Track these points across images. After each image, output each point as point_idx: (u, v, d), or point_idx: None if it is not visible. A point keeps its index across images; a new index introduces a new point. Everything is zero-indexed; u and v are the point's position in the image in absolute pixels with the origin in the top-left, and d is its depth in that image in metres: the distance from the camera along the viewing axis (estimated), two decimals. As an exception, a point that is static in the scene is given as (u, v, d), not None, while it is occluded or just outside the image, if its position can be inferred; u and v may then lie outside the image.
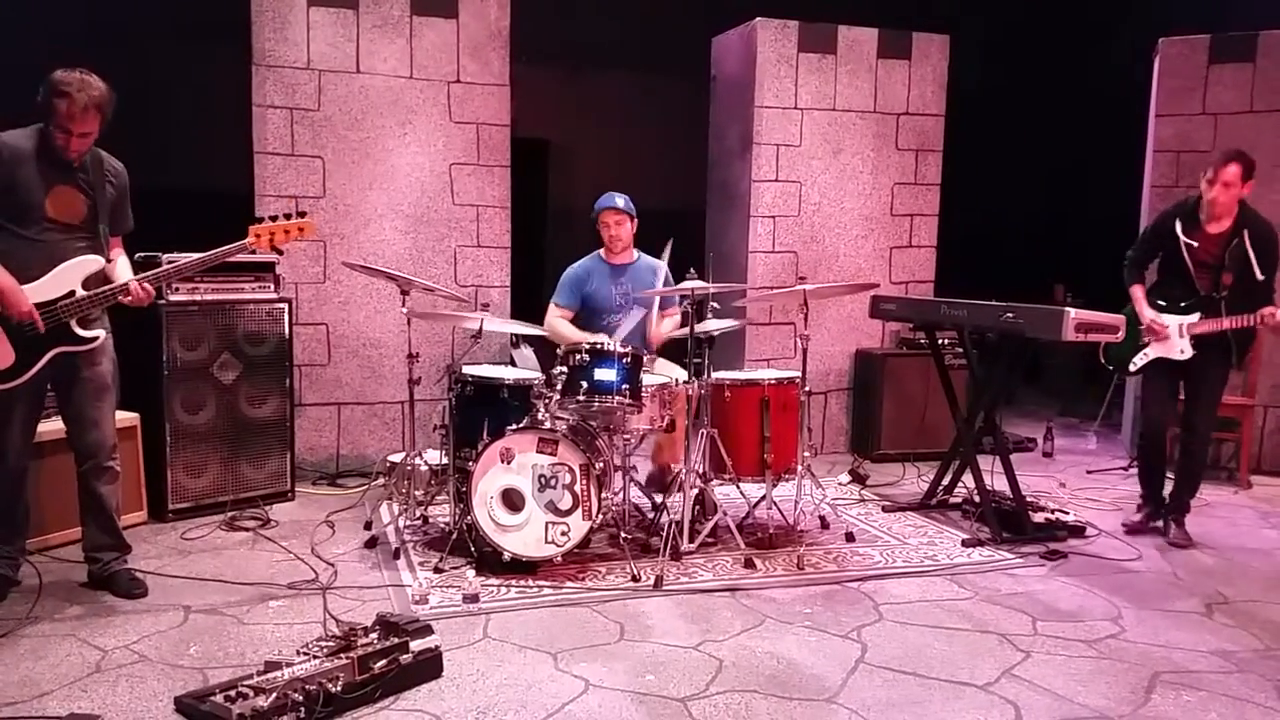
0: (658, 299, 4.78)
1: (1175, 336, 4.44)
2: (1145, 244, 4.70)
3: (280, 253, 3.69)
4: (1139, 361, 4.59)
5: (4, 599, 3.50)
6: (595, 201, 4.86)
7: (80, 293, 3.38)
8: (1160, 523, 4.68)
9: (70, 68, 3.32)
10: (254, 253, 3.68)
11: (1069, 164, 8.92)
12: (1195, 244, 4.43)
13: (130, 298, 3.44)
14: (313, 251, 5.42)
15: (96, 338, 3.47)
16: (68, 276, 3.37)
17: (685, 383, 4.33)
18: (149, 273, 3.52)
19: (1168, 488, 4.70)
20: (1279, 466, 5.96)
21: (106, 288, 3.44)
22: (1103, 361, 4.79)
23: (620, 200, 4.76)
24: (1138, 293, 4.61)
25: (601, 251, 4.87)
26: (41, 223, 3.36)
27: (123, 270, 3.58)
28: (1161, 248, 4.56)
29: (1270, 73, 6.00)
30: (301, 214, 3.64)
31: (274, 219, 3.59)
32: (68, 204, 3.41)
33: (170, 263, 3.69)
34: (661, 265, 4.73)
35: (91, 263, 3.44)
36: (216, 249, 3.53)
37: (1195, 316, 4.42)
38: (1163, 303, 4.53)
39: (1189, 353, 4.43)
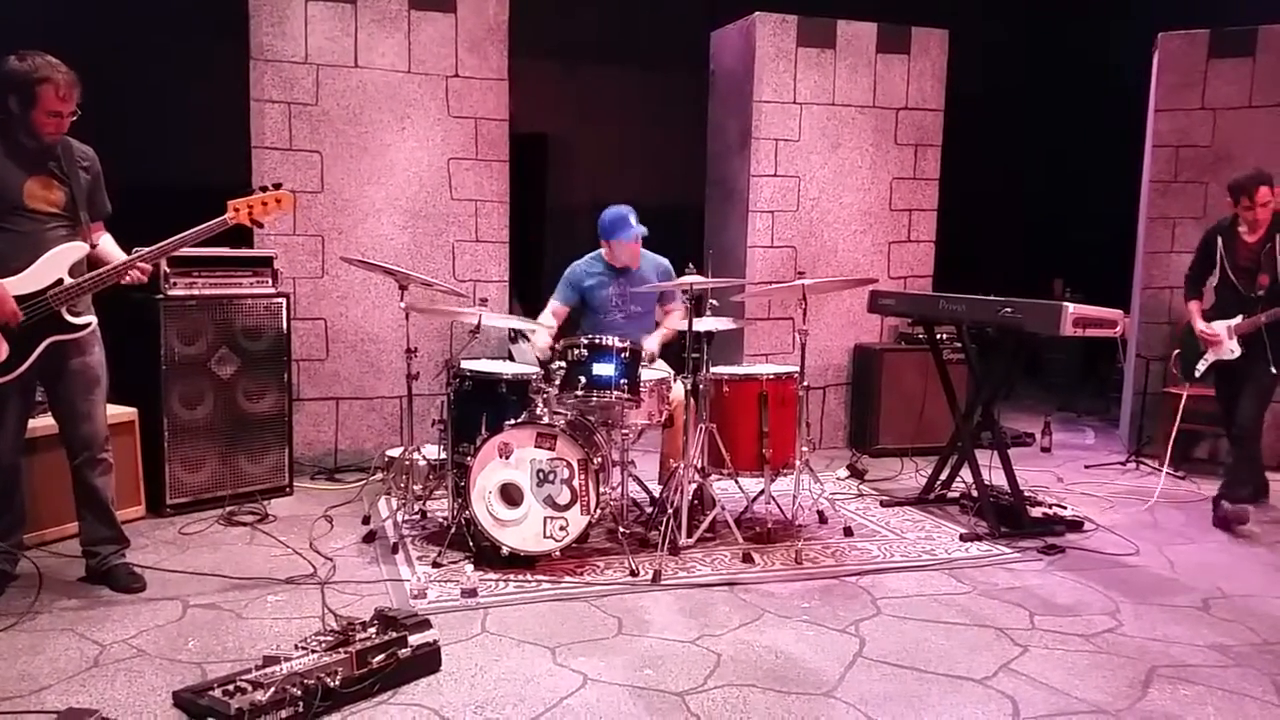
0: (658, 301, 4.82)
1: (1225, 339, 4.87)
2: (1196, 261, 5.13)
3: (260, 225, 3.67)
4: (1201, 368, 5.02)
5: (1, 594, 3.50)
6: (608, 219, 4.67)
7: (68, 280, 3.37)
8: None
9: (19, 55, 3.29)
10: (243, 226, 3.62)
11: (1068, 158, 8.92)
12: (1234, 251, 4.88)
13: (126, 280, 3.44)
14: (311, 246, 5.42)
15: (88, 324, 3.46)
16: (53, 265, 3.36)
17: (680, 378, 4.34)
18: (140, 252, 3.50)
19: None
20: (1277, 462, 5.96)
21: (97, 271, 3.42)
22: (1176, 373, 5.25)
23: (638, 228, 4.63)
24: (1193, 308, 5.07)
25: (604, 253, 4.79)
26: (19, 213, 3.34)
27: (112, 251, 3.57)
28: (1209, 261, 5.01)
29: (1269, 67, 6.00)
30: (278, 186, 3.63)
31: (251, 193, 3.58)
32: (43, 193, 3.39)
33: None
34: (665, 263, 4.79)
35: (76, 250, 3.43)
36: (197, 226, 3.48)
37: (1239, 318, 4.83)
38: (1222, 312, 4.94)
39: (1238, 351, 4.85)
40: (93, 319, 3.50)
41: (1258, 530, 4.69)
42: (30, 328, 3.31)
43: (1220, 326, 4.90)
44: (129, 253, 3.58)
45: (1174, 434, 5.33)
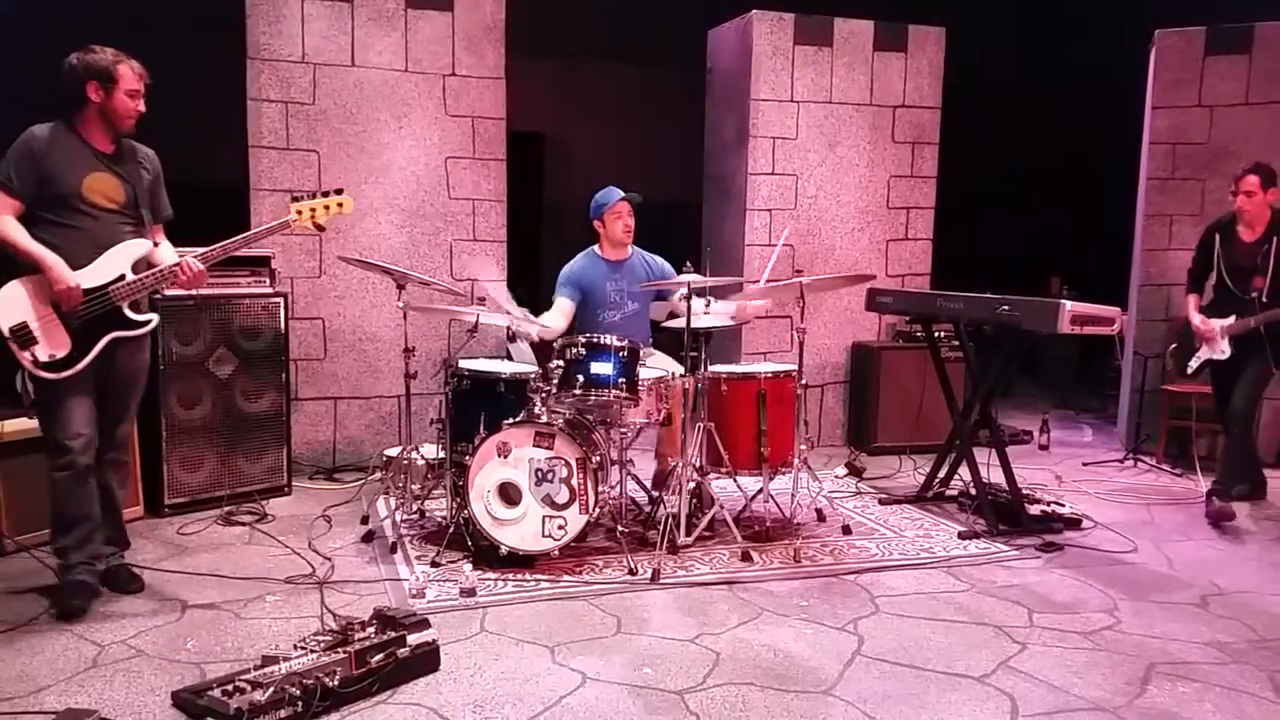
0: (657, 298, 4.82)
1: (1218, 339, 4.87)
2: (1196, 258, 5.12)
3: (321, 229, 3.68)
4: (1193, 364, 5.03)
5: (87, 611, 3.36)
6: (596, 197, 4.72)
7: (130, 276, 3.37)
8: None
9: (85, 49, 3.32)
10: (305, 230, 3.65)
11: (1065, 156, 8.92)
12: (1231, 250, 4.88)
13: (185, 277, 3.42)
14: (308, 246, 5.41)
15: (149, 321, 3.45)
16: (117, 260, 3.36)
17: (681, 377, 4.34)
18: (199, 252, 3.48)
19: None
20: (1272, 458, 5.97)
21: (158, 269, 3.42)
22: (1172, 367, 5.28)
23: (624, 192, 4.71)
24: (1191, 302, 5.08)
25: (597, 248, 4.78)
26: (80, 209, 3.33)
27: (167, 255, 3.53)
28: (1209, 258, 5.01)
29: (1266, 64, 6.01)
30: (339, 191, 3.65)
31: (313, 196, 3.59)
32: (104, 188, 3.38)
33: (181, 254, 3.60)
34: (663, 262, 4.80)
35: (140, 245, 3.43)
36: (258, 228, 3.52)
37: (1231, 319, 4.83)
38: (1218, 311, 4.92)
39: (1227, 353, 4.84)
40: (155, 317, 3.48)
41: (1254, 528, 4.70)
42: (92, 322, 3.31)
43: (1215, 325, 4.89)
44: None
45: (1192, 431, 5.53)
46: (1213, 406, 5.27)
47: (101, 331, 3.35)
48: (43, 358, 3.27)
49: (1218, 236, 4.96)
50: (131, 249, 3.41)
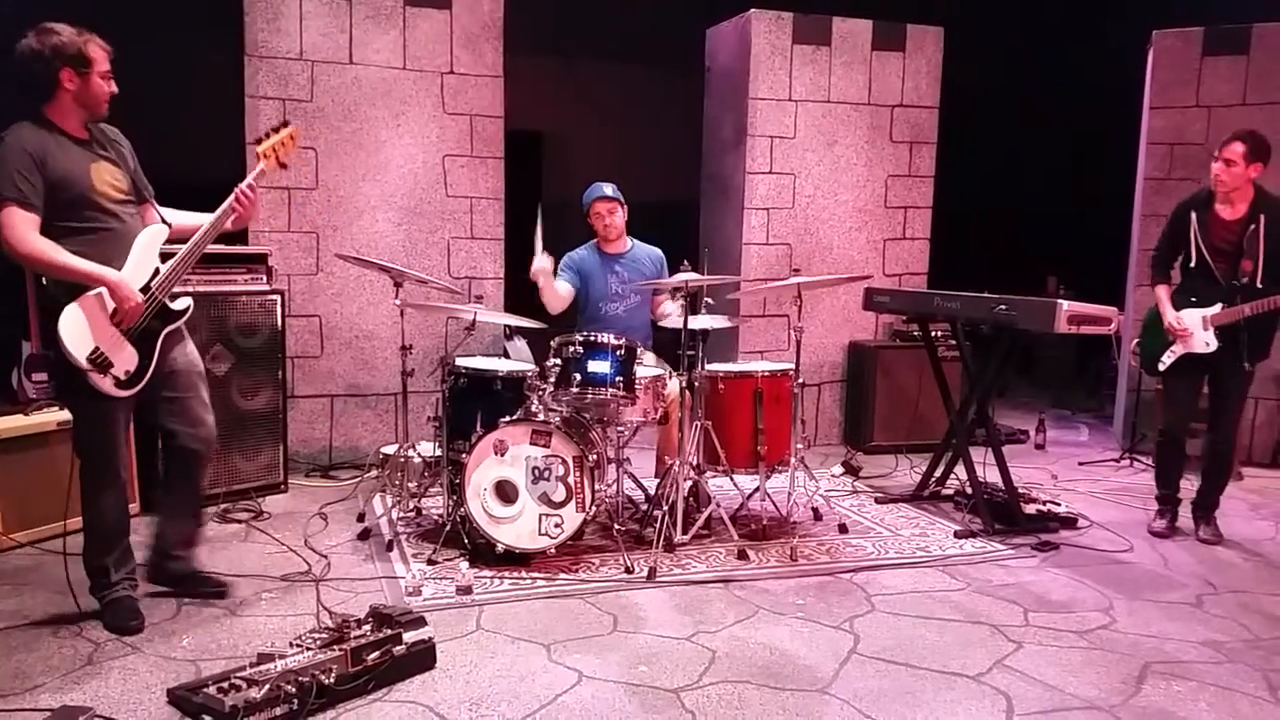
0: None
1: (1199, 330, 4.32)
2: (1165, 239, 4.55)
3: (285, 166, 3.54)
4: (1166, 360, 4.46)
5: (140, 619, 3.26)
6: (584, 194, 4.85)
7: (163, 269, 3.23)
8: (1191, 523, 4.59)
9: (42, 29, 3.08)
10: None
11: (1062, 156, 8.93)
12: (1209, 229, 4.32)
13: (237, 212, 3.28)
14: (305, 243, 5.41)
15: (188, 307, 3.33)
16: (148, 255, 3.21)
17: (676, 375, 4.34)
18: (196, 236, 3.32)
19: (1183, 489, 4.62)
20: (1269, 458, 5.99)
21: (181, 252, 3.24)
22: (1137, 364, 4.78)
23: (609, 188, 4.78)
24: (1161, 293, 4.48)
25: (596, 242, 4.87)
26: (97, 207, 3.13)
27: (192, 220, 3.35)
28: (1181, 239, 4.43)
29: (1263, 65, 6.01)
30: (286, 124, 3.51)
31: (266, 136, 3.47)
32: (109, 179, 3.18)
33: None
34: (659, 253, 4.88)
35: (161, 233, 3.27)
36: (247, 178, 3.36)
37: (1217, 307, 4.29)
38: (1194, 299, 4.37)
39: (1214, 345, 4.29)
40: (190, 300, 3.35)
41: (1249, 529, 4.71)
42: (149, 327, 3.19)
43: (1194, 317, 4.34)
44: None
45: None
46: (1162, 405, 4.68)
47: (156, 333, 3.22)
48: (120, 377, 3.13)
49: (1194, 214, 4.37)
50: (154, 238, 3.24)
